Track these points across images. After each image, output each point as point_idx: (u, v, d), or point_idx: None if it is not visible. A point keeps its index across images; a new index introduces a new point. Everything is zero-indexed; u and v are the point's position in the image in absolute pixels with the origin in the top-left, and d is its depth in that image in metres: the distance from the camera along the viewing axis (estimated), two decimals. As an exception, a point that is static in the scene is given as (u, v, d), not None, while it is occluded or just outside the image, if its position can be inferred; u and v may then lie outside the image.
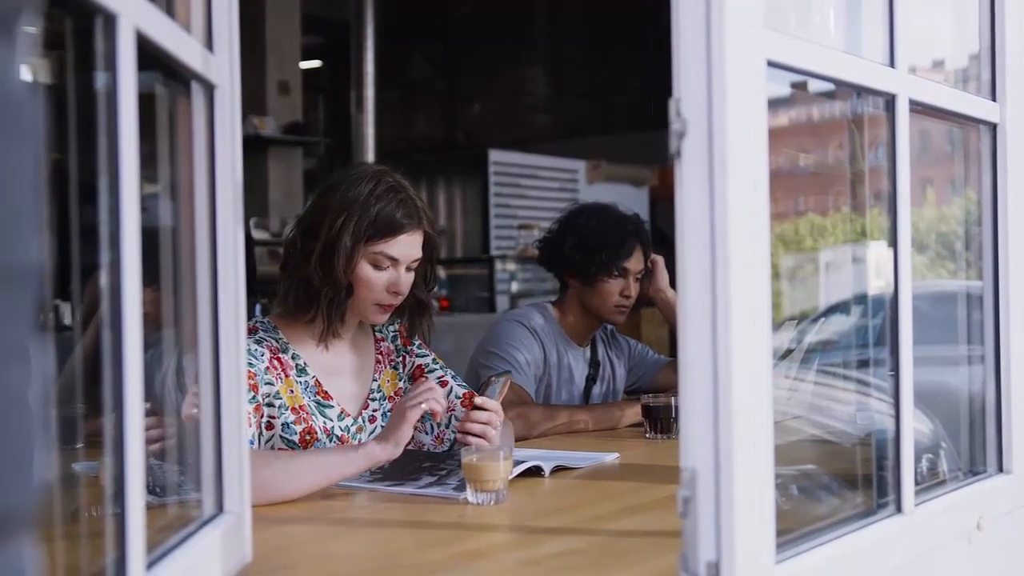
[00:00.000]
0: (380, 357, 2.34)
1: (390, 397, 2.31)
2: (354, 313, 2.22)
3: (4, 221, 0.54)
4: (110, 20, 0.99)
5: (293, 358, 2.19)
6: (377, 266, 2.15)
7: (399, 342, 2.38)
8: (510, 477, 1.89)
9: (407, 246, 2.17)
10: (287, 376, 2.15)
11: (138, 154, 1.03)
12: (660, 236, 6.55)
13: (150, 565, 1.09)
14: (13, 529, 0.55)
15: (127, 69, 1.01)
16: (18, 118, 0.55)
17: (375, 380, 2.31)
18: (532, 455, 2.17)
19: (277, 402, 2.11)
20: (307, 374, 2.19)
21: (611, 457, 2.32)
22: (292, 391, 2.15)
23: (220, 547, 1.31)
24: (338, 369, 2.25)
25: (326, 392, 2.20)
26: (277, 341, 2.19)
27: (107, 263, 1.01)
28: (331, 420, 2.18)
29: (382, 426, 2.25)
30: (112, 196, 1.00)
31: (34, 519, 0.57)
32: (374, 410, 2.28)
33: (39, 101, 0.58)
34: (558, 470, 2.14)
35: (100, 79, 1.01)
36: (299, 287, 2.16)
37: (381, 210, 2.13)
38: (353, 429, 2.22)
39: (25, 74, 0.57)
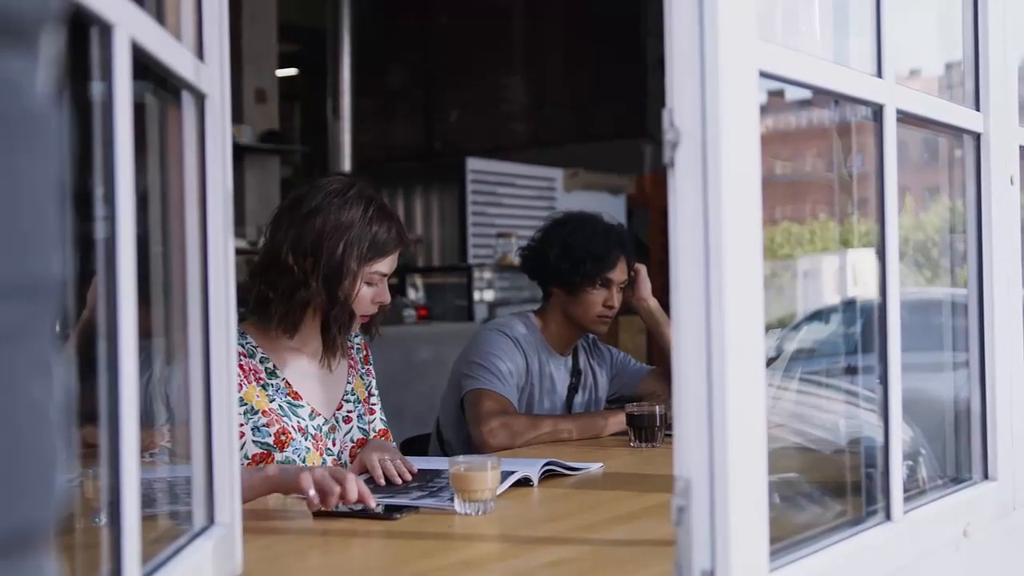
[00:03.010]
0: (352, 363, 2.42)
1: (363, 401, 2.40)
2: None
3: (29, 234, 0.54)
4: (106, 30, 0.98)
5: (262, 362, 2.24)
6: (370, 284, 2.25)
7: (361, 356, 2.46)
8: (500, 491, 1.89)
9: (394, 261, 2.29)
10: (250, 383, 2.20)
11: (133, 163, 1.02)
12: (636, 244, 6.55)
13: (144, 578, 1.08)
14: (39, 542, 0.55)
15: (123, 78, 1.00)
16: (41, 131, 0.55)
17: (349, 383, 2.38)
18: (518, 464, 2.17)
19: (242, 408, 2.15)
20: (277, 377, 2.24)
21: (596, 467, 2.32)
22: (259, 395, 2.20)
23: (211, 559, 1.30)
24: (310, 372, 2.31)
25: (296, 392, 2.26)
26: (243, 346, 2.22)
27: (102, 272, 1.00)
28: (303, 419, 2.24)
29: (358, 427, 2.35)
30: (108, 205, 0.99)
31: (55, 531, 0.57)
32: (348, 411, 2.36)
33: (59, 114, 0.58)
34: (547, 476, 2.14)
35: (95, 88, 1.00)
36: (298, 308, 2.21)
37: (378, 233, 2.23)
38: (326, 429, 2.29)
39: (46, 87, 0.57)
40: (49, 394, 0.55)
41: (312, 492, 1.77)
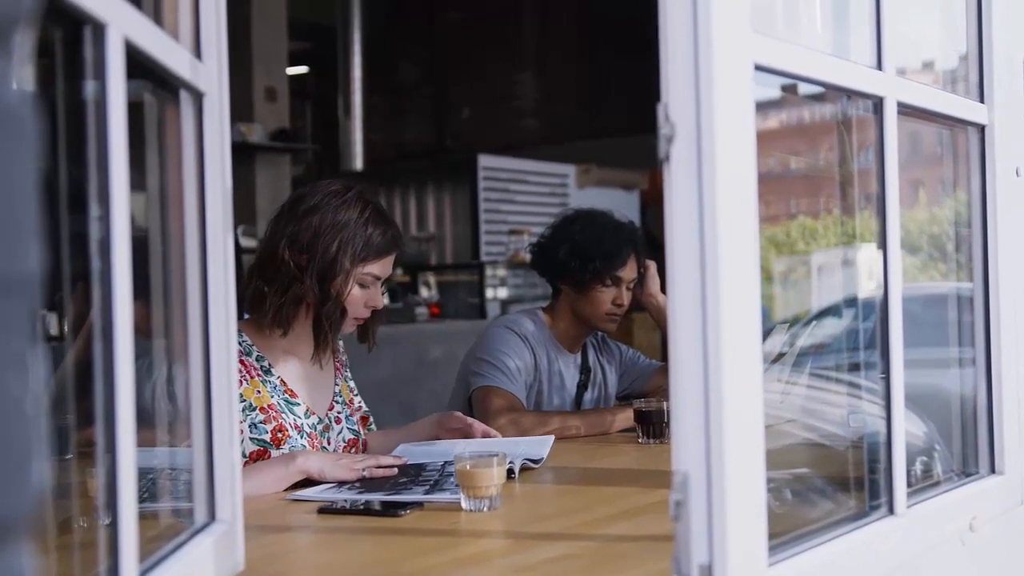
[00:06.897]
0: (339, 366, 2.47)
1: (348, 403, 2.44)
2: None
3: (5, 231, 0.55)
4: (99, 29, 0.99)
5: (258, 360, 2.28)
6: (362, 285, 2.29)
7: (344, 359, 2.51)
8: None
9: (389, 265, 2.33)
10: (252, 378, 2.24)
11: (127, 163, 1.02)
12: (650, 241, 6.53)
13: (143, 574, 1.08)
14: (13, 536, 0.55)
15: (116, 78, 1.01)
16: (16, 127, 0.55)
17: (336, 385, 2.43)
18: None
19: (241, 404, 2.19)
20: (273, 375, 2.28)
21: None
22: (259, 391, 2.24)
23: (213, 556, 1.31)
24: (302, 373, 2.35)
25: (292, 391, 2.30)
26: (241, 344, 2.25)
27: (97, 272, 1.00)
28: (299, 417, 2.28)
29: (347, 428, 2.40)
30: (102, 205, 1.00)
31: (32, 526, 0.57)
32: (338, 412, 2.41)
33: (34, 110, 0.58)
34: (555, 471, 2.16)
35: (89, 87, 1.01)
36: (292, 303, 2.25)
37: (373, 234, 2.27)
38: (320, 428, 2.33)
39: (21, 83, 0.57)
40: (26, 388, 0.55)
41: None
